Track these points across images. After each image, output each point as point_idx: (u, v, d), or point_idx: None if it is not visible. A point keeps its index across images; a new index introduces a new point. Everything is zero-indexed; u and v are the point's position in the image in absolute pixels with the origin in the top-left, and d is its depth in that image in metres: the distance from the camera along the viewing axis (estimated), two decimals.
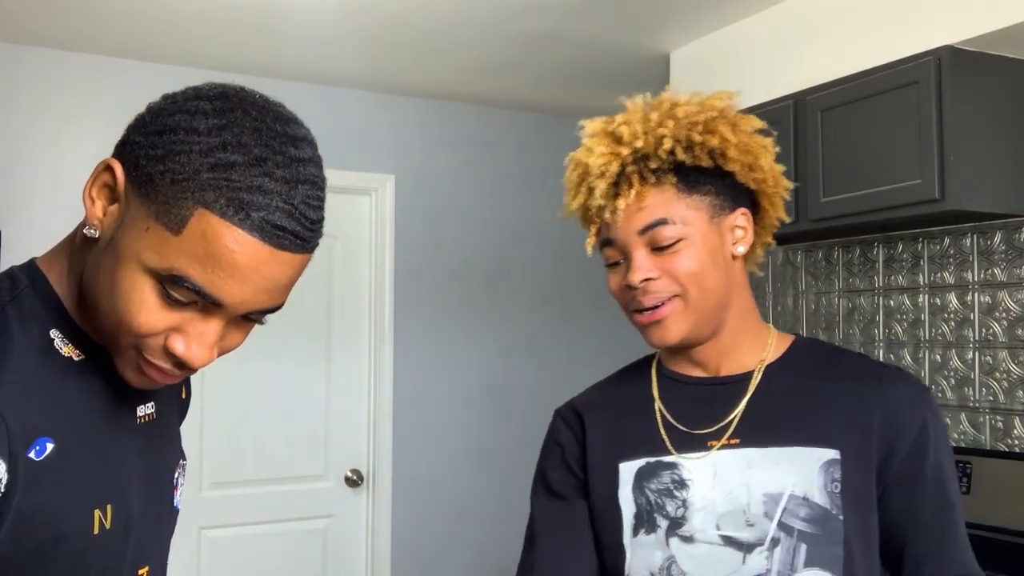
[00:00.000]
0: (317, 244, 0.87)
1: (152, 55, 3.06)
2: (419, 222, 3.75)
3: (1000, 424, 2.52)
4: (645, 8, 2.77)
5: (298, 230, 0.82)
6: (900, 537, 1.14)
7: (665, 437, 1.19)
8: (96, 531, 0.88)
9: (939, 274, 2.69)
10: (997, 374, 2.53)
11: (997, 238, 2.54)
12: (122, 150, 0.84)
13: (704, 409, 1.19)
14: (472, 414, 3.83)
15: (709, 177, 1.16)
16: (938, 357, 2.68)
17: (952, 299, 2.65)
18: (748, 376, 1.19)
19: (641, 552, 1.17)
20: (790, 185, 1.23)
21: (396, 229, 3.70)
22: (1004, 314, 2.51)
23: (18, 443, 0.80)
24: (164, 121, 0.82)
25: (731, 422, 1.17)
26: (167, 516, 1.04)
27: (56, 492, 0.84)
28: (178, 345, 0.83)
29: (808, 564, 1.09)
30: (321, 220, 0.85)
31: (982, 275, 2.58)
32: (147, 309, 0.81)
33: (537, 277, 3.98)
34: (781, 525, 1.10)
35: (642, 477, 1.19)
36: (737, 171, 1.17)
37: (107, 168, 0.84)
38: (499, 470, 3.81)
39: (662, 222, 1.13)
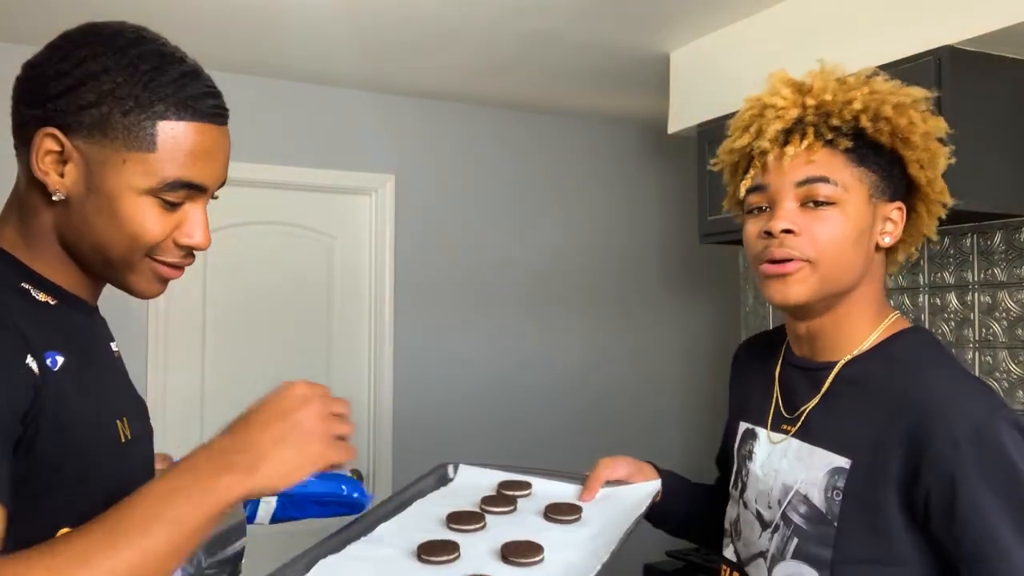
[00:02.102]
0: None
1: None
2: (419, 222, 3.75)
3: None
4: (645, 8, 2.77)
5: (223, 104, 0.99)
6: None
7: (772, 412, 1.26)
8: (122, 440, 1.00)
9: (939, 274, 2.69)
10: (997, 374, 2.53)
11: (997, 238, 2.54)
12: (45, 119, 0.93)
13: (794, 393, 1.24)
14: (472, 413, 3.82)
15: (880, 158, 1.13)
16: None
17: (952, 299, 2.65)
18: (830, 367, 1.18)
19: (730, 503, 1.33)
20: (951, 202, 1.20)
21: (396, 229, 3.69)
22: (1004, 314, 2.51)
23: (37, 349, 0.90)
24: (73, 76, 0.93)
25: (804, 411, 1.20)
26: (151, 442, 1.14)
27: (83, 402, 0.95)
28: (188, 238, 0.98)
29: (795, 556, 1.15)
30: None
31: (982, 275, 2.58)
32: (152, 222, 0.95)
33: (537, 276, 3.98)
34: (783, 515, 1.18)
35: (742, 441, 1.32)
36: (912, 161, 1.14)
37: (45, 139, 0.93)
38: None
39: (823, 180, 1.11)
